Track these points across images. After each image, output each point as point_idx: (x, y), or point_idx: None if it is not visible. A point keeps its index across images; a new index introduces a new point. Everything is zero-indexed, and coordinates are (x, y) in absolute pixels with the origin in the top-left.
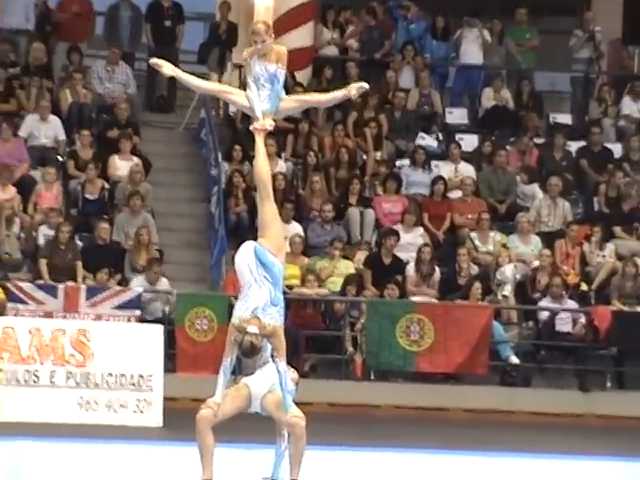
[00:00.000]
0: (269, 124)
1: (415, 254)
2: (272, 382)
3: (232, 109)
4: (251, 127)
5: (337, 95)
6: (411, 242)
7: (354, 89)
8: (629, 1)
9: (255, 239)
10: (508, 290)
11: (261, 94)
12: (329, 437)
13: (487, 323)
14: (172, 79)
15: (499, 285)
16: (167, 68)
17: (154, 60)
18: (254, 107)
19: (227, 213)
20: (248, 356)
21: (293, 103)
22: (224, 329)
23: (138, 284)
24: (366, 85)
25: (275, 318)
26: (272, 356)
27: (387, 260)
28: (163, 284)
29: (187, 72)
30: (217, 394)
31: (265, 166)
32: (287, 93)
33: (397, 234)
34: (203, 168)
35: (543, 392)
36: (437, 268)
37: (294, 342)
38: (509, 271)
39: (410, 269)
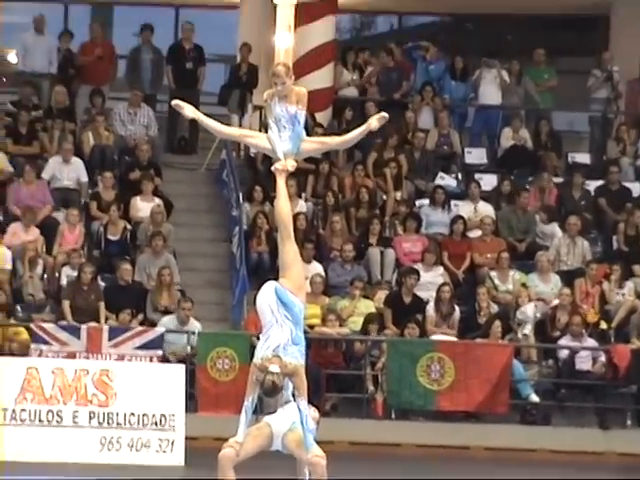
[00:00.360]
0: (291, 165)
1: (435, 293)
2: (293, 420)
3: (253, 150)
4: (273, 168)
5: (357, 132)
6: (431, 281)
7: (375, 120)
8: None
9: (276, 279)
10: (528, 329)
11: (282, 135)
12: (351, 476)
13: (507, 362)
14: (193, 121)
15: (519, 324)
16: (188, 110)
17: (176, 102)
18: (276, 148)
19: (248, 253)
20: (270, 395)
21: (314, 145)
22: (245, 369)
23: (167, 323)
24: (386, 115)
25: (296, 357)
26: (293, 395)
27: (407, 299)
28: (192, 323)
29: (208, 114)
30: (239, 433)
31: (286, 207)
32: (307, 134)
33: (418, 273)
34: (224, 209)
35: (563, 430)
36: (457, 307)
37: (315, 381)
38: (530, 310)
39: (430, 308)
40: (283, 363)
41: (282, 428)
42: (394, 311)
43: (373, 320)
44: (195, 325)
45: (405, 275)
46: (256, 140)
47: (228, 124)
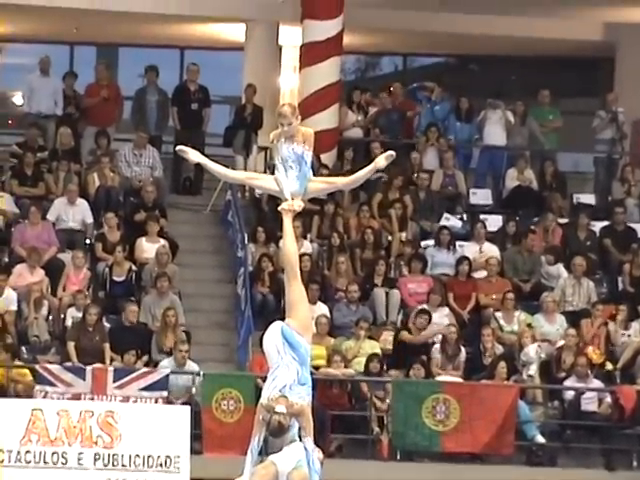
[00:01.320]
0: (298, 205)
1: (440, 335)
2: (299, 459)
3: (258, 191)
4: (280, 208)
5: (365, 172)
6: (437, 322)
7: (383, 159)
8: None
9: (282, 319)
10: (533, 370)
11: (289, 175)
12: None
13: (513, 403)
14: (198, 164)
15: (524, 365)
16: (193, 155)
17: (180, 147)
18: (283, 188)
19: (253, 294)
20: (276, 435)
21: (321, 185)
22: (251, 410)
23: (166, 365)
24: (393, 153)
25: (303, 397)
26: (299, 435)
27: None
28: (190, 365)
29: (213, 155)
30: (245, 474)
31: (293, 247)
32: (314, 175)
33: (428, 313)
34: (230, 249)
35: (570, 471)
36: (462, 348)
37: (320, 422)
38: (532, 351)
39: (436, 350)
40: (289, 403)
41: (287, 467)
42: (400, 351)
43: (374, 360)
44: (193, 367)
45: (416, 316)
46: (262, 182)
47: (233, 166)
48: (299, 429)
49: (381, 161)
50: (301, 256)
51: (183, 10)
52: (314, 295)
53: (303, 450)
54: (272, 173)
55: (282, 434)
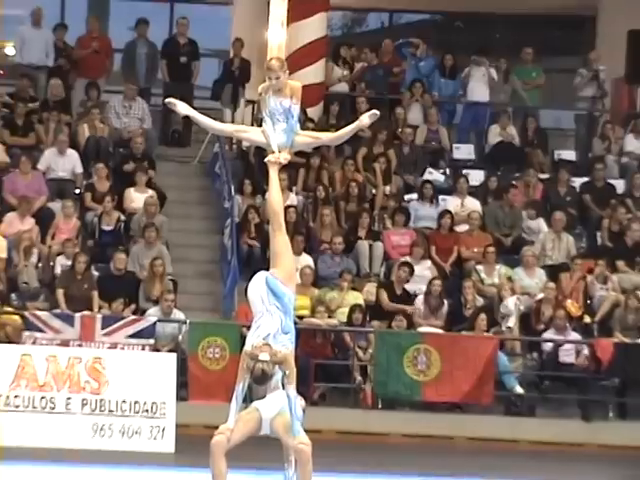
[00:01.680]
0: (284, 157)
1: (423, 286)
2: (282, 405)
3: (245, 144)
4: (266, 159)
5: (349, 129)
6: (419, 274)
7: (366, 117)
8: (632, 41)
9: (267, 269)
10: (512, 322)
11: (276, 128)
12: (338, 465)
13: (492, 354)
14: (187, 117)
15: (503, 318)
16: (182, 107)
17: (169, 99)
18: (270, 141)
19: (240, 245)
20: (259, 383)
21: (307, 139)
22: (236, 358)
23: (153, 313)
24: (377, 112)
25: (286, 345)
26: (282, 383)
27: (398, 291)
28: (176, 314)
29: (201, 108)
30: (230, 419)
31: (278, 197)
32: (300, 128)
33: (411, 266)
34: (217, 201)
35: (546, 422)
36: (444, 300)
37: (304, 371)
38: (511, 304)
39: (419, 301)
40: (273, 351)
41: (271, 412)
42: (383, 302)
43: (357, 310)
44: (180, 315)
45: (398, 268)
46: (250, 134)
47: (221, 118)
48: (282, 377)
49: (365, 119)
50: (286, 208)
51: None
52: (299, 246)
53: (286, 397)
54: (259, 126)
55: (265, 381)
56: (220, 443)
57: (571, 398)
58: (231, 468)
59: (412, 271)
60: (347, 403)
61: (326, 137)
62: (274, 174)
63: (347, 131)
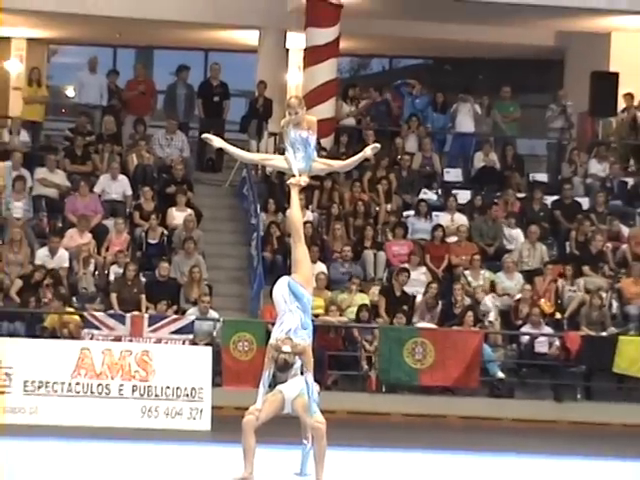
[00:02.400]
0: (304, 180)
1: (419, 289)
2: (301, 388)
3: (269, 170)
4: (288, 182)
5: (356, 158)
6: (416, 278)
7: (369, 149)
8: (595, 81)
9: (288, 275)
10: (492, 316)
11: (297, 156)
12: (348, 440)
13: (478, 345)
14: (220, 149)
15: (484, 315)
16: (217, 142)
17: (206, 135)
18: (292, 166)
19: (264, 255)
20: (282, 371)
21: (322, 165)
22: (262, 350)
23: (192, 313)
24: (379, 145)
25: (305, 339)
26: (301, 371)
27: (398, 293)
28: (211, 313)
29: (231, 140)
30: (258, 401)
31: (298, 215)
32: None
33: (408, 272)
34: (245, 218)
35: (524, 402)
36: (438, 301)
37: (319, 361)
38: (489, 301)
39: (419, 302)
40: (294, 344)
41: (292, 394)
42: (386, 302)
43: (363, 309)
44: (214, 314)
45: (398, 273)
46: (274, 162)
47: (248, 149)
48: (301, 366)
49: (368, 151)
50: (303, 223)
51: (208, 18)
52: (314, 256)
53: (304, 383)
54: (282, 154)
55: (287, 370)
56: (250, 422)
57: (545, 382)
58: (258, 444)
59: (409, 275)
60: (356, 388)
61: (337, 165)
62: (295, 194)
63: (354, 160)
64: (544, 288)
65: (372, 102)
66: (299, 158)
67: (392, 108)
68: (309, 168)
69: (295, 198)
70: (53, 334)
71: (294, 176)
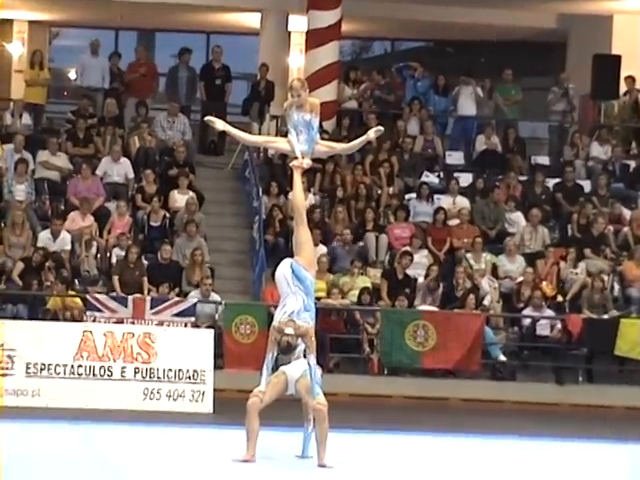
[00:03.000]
0: (306, 163)
1: (421, 271)
2: (304, 369)
3: (271, 152)
4: (291, 164)
5: (358, 141)
6: (418, 261)
7: (372, 132)
8: (597, 64)
9: (291, 258)
10: (488, 300)
11: (299, 138)
12: (350, 422)
13: (480, 328)
14: (223, 131)
15: (483, 297)
16: (219, 124)
17: (208, 117)
18: (294, 149)
19: (266, 238)
20: (285, 353)
21: (325, 148)
22: (264, 333)
23: (194, 296)
24: (382, 128)
25: (307, 321)
26: (304, 354)
27: (400, 276)
28: (213, 296)
29: (233, 123)
30: (262, 384)
31: (301, 196)
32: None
33: (411, 255)
34: (247, 201)
35: (526, 385)
36: (440, 283)
37: (321, 344)
38: (485, 284)
39: (420, 284)
40: (296, 326)
41: (295, 375)
42: (388, 285)
43: (365, 292)
44: (216, 297)
45: (401, 256)
46: (277, 144)
47: (250, 131)
48: (304, 349)
49: (371, 134)
50: (310, 207)
51: (209, 1)
52: (316, 239)
53: (307, 364)
54: (285, 137)
55: (290, 352)
56: (255, 404)
57: (546, 365)
58: (260, 426)
59: (412, 259)
60: (358, 370)
61: (340, 147)
62: (298, 177)
63: (357, 143)
64: (546, 271)
65: (373, 85)
66: (302, 140)
67: (393, 91)
68: (312, 150)
69: (298, 180)
70: (55, 317)
71: (297, 158)
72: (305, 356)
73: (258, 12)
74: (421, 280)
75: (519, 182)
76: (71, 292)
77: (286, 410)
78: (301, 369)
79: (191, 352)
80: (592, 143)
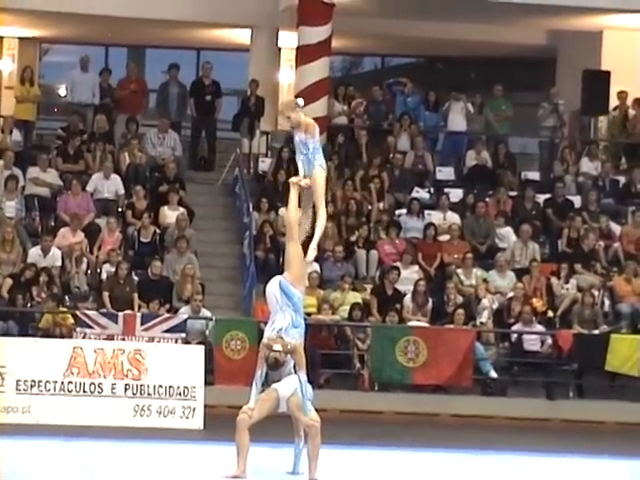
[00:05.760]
0: (305, 182)
1: (412, 287)
2: (295, 387)
3: (261, 168)
4: (290, 180)
5: (319, 234)
6: (408, 277)
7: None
8: (586, 79)
9: (281, 274)
10: (485, 317)
11: (301, 158)
12: (341, 438)
13: (470, 344)
14: (211, 144)
15: (479, 313)
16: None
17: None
18: (299, 167)
19: (257, 254)
20: (273, 369)
21: (317, 191)
22: (255, 349)
23: (184, 312)
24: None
25: (296, 338)
26: (295, 370)
27: (389, 291)
28: (204, 312)
29: (223, 139)
30: (251, 401)
31: (294, 214)
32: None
33: (398, 270)
34: (237, 216)
35: (516, 400)
36: (429, 298)
37: (311, 360)
38: (487, 302)
39: (408, 299)
40: (284, 342)
41: (287, 392)
42: (378, 301)
43: (356, 308)
44: (207, 313)
45: (388, 272)
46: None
47: (240, 147)
48: (294, 365)
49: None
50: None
51: (199, 17)
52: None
53: (298, 381)
54: (272, 154)
55: (278, 368)
56: (244, 420)
57: (537, 380)
58: (251, 442)
59: (399, 274)
60: (348, 386)
61: (320, 221)
62: (293, 194)
63: (319, 234)
64: (532, 286)
65: (368, 101)
66: (301, 159)
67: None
68: (311, 172)
69: (293, 196)
70: (46, 334)
71: (298, 176)
72: (295, 372)
73: (248, 28)
74: (409, 296)
75: (509, 197)
76: (61, 308)
77: (277, 426)
78: (293, 386)
79: (181, 368)
80: (582, 159)
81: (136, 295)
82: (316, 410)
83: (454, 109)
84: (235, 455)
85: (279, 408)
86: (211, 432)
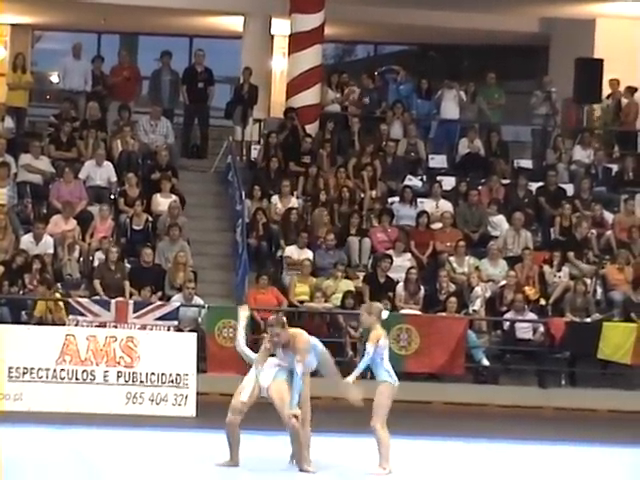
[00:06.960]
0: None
1: (404, 275)
2: (275, 372)
3: (253, 155)
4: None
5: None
6: (400, 265)
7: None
8: (579, 67)
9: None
10: (477, 305)
11: (277, 374)
12: (334, 425)
13: (463, 332)
14: (204, 131)
15: (471, 301)
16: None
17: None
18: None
19: (249, 241)
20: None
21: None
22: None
23: (177, 299)
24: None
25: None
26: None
27: (382, 279)
28: (196, 300)
29: (216, 126)
30: (244, 394)
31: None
32: (298, 143)
33: (391, 258)
34: (229, 204)
35: (509, 389)
36: (422, 286)
37: None
38: (479, 290)
39: (400, 287)
40: (279, 318)
41: (267, 381)
42: (370, 289)
43: (349, 296)
44: (199, 301)
45: (380, 260)
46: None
47: (233, 134)
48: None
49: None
50: (289, 210)
51: (192, 5)
52: (304, 242)
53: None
54: (265, 143)
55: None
56: (233, 422)
57: (529, 369)
58: (246, 430)
59: (391, 262)
60: (341, 374)
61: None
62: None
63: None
64: (525, 274)
65: (365, 89)
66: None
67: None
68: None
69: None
70: (40, 321)
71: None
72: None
73: (241, 15)
74: (401, 284)
75: (502, 185)
76: (54, 295)
77: (271, 414)
78: (272, 373)
79: (174, 356)
80: (575, 147)
81: (128, 283)
82: (310, 397)
83: (447, 97)
84: (227, 447)
85: (261, 393)
86: (203, 419)
